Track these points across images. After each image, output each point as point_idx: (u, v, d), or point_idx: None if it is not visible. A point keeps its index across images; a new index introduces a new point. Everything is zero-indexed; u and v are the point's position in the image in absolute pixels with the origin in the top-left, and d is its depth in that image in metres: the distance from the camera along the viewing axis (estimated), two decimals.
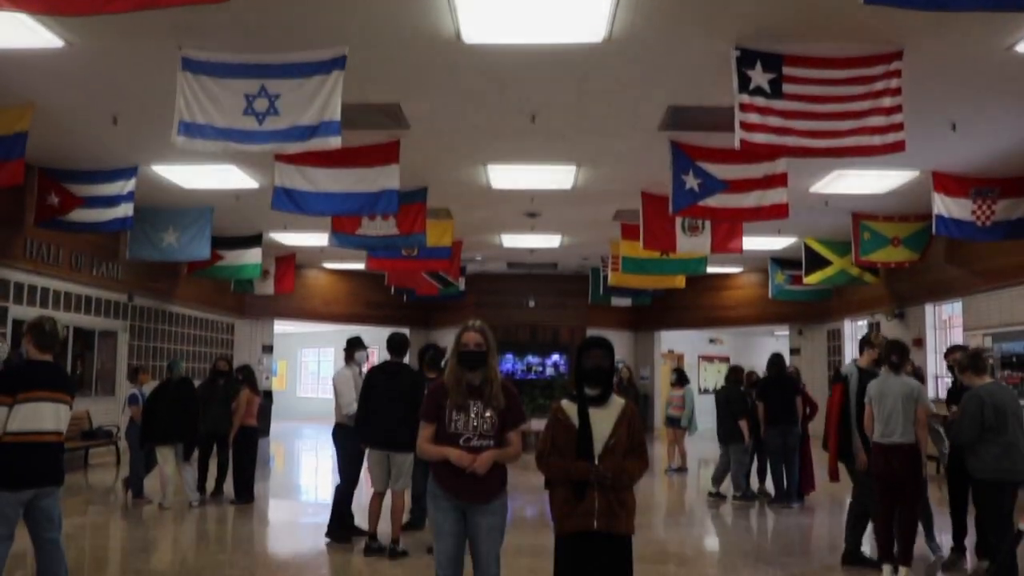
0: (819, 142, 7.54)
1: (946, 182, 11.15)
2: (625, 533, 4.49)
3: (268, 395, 20.00)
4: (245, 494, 10.48)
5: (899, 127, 7.42)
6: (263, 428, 15.19)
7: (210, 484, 10.97)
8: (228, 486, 10.75)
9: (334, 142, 7.32)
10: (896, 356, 6.97)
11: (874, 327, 18.02)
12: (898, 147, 7.48)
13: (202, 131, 7.32)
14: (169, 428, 10.04)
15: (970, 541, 7.49)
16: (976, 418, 6.52)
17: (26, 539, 5.44)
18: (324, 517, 8.49)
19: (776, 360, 11.23)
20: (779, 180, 9.75)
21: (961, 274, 14.32)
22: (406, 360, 8.08)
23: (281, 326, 23.89)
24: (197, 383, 11.24)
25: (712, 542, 9.21)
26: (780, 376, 11.06)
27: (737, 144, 7.43)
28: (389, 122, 9.52)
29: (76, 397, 5.73)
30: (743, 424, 11.05)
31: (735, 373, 11.70)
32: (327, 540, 8.24)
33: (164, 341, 17.36)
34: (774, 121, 7.42)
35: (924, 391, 6.92)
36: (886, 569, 6.85)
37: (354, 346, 8.83)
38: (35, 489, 5.26)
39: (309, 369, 29.82)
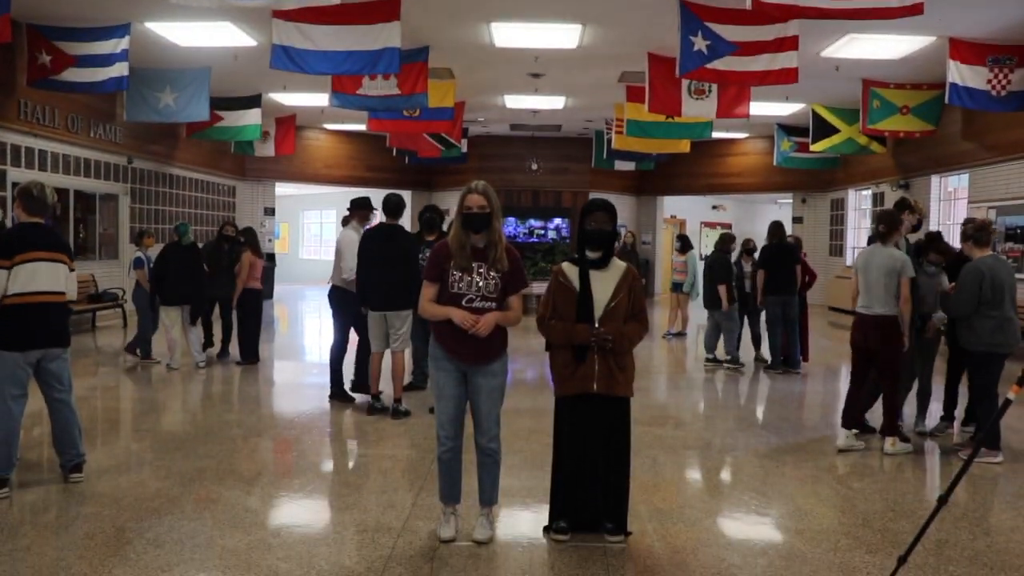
0: (834, 3, 7.32)
1: (962, 49, 10.86)
2: (624, 396, 4.58)
3: (271, 257, 20.11)
4: (250, 355, 10.68)
5: None
6: (266, 290, 15.34)
7: (216, 346, 11.16)
8: (234, 347, 10.95)
9: None
10: (884, 226, 6.74)
11: (878, 197, 17.95)
12: (916, 10, 7.26)
13: None
14: (176, 291, 10.13)
15: (959, 413, 7.61)
16: (974, 293, 6.52)
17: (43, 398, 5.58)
18: (327, 378, 8.66)
19: (776, 228, 11.12)
20: (790, 43, 9.48)
21: (971, 146, 14.11)
22: (401, 222, 8.00)
23: (283, 188, 23.79)
24: (200, 246, 11.27)
25: (708, 406, 9.42)
26: (780, 245, 11.00)
27: (748, 4, 7.21)
28: None
29: (79, 260, 5.77)
30: (722, 290, 11.08)
31: (724, 241, 11.61)
32: (331, 400, 8.46)
33: (166, 204, 17.31)
34: None
35: (909, 264, 6.69)
36: (842, 433, 6.88)
37: (363, 207, 8.60)
38: (42, 350, 5.34)
39: (311, 231, 29.88)
